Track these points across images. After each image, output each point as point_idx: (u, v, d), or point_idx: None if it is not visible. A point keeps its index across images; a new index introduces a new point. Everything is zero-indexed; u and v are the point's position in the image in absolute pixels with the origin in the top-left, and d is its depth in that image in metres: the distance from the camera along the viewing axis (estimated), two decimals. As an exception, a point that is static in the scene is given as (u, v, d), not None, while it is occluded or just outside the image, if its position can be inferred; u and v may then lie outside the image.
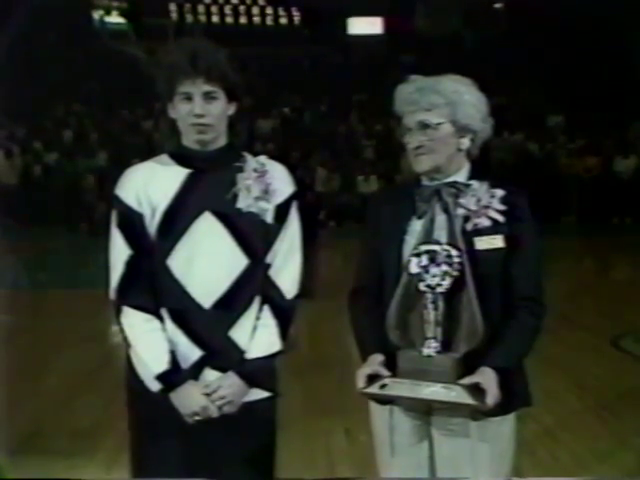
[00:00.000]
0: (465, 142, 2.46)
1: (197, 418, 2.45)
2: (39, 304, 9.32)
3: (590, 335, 7.45)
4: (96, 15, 27.35)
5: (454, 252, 2.36)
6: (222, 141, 2.55)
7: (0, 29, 15.83)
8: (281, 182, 2.57)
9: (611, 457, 4.53)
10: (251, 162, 2.55)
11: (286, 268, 2.56)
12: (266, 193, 2.51)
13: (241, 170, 2.52)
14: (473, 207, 2.41)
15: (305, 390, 5.56)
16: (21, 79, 19.24)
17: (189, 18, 28.01)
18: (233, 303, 2.50)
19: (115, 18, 27.81)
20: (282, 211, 2.56)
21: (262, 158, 2.58)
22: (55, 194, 17.05)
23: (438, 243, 2.39)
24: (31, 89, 20.43)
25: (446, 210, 2.44)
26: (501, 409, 2.37)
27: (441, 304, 2.37)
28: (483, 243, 2.40)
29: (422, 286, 2.37)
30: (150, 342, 2.47)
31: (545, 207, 13.70)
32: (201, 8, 28.43)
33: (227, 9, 28.69)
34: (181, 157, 2.54)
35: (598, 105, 19.05)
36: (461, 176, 2.48)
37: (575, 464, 4.42)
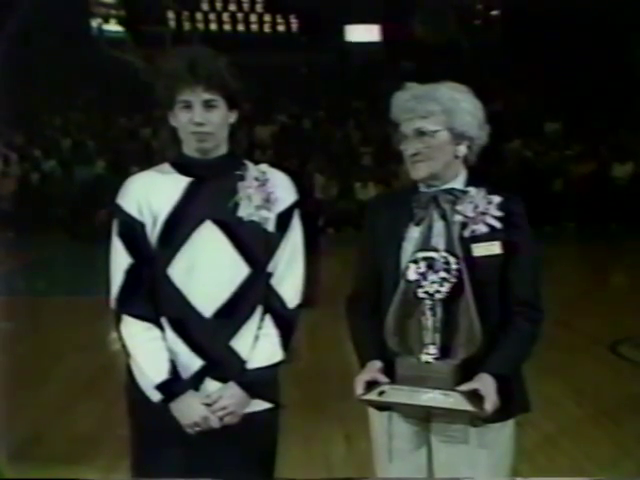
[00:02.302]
0: (462, 149, 2.48)
1: (198, 429, 2.44)
2: (38, 311, 9.31)
3: (588, 341, 7.45)
4: (94, 23, 27.39)
5: (452, 259, 2.37)
6: (223, 149, 2.54)
7: (-2, 37, 15.85)
8: (283, 190, 2.56)
9: (610, 463, 4.53)
10: (252, 170, 2.54)
11: (288, 277, 2.54)
12: (267, 202, 2.50)
13: (242, 178, 2.51)
14: (470, 214, 2.42)
15: (304, 396, 5.56)
16: (19, 86, 19.25)
17: (187, 26, 28.05)
18: (234, 312, 2.49)
19: (113, 26, 27.84)
20: (284, 220, 2.55)
21: (263, 166, 2.57)
22: (53, 201, 17.05)
23: (436, 250, 2.40)
24: (29, 96, 20.45)
25: (444, 217, 2.44)
26: (500, 415, 2.38)
27: (439, 311, 2.38)
28: (480, 249, 2.41)
29: (420, 293, 2.38)
30: (150, 351, 2.45)
31: (543, 213, 13.72)
32: (199, 16, 28.46)
33: (225, 17, 28.72)
34: (182, 166, 2.53)
35: (596, 111, 19.08)
36: (458, 183, 2.49)
37: (574, 470, 4.42)
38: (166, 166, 2.56)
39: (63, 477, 4.31)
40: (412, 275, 2.38)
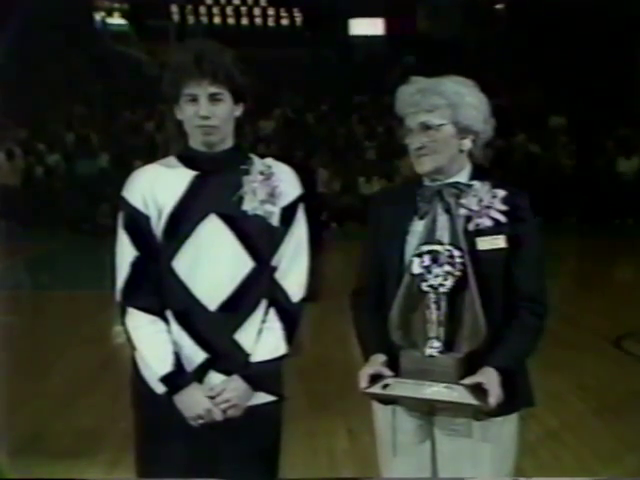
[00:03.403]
0: (467, 143, 2.47)
1: (201, 421, 2.45)
2: (41, 305, 9.33)
3: (592, 336, 7.45)
4: (98, 17, 27.37)
5: (456, 252, 2.37)
6: (229, 143, 2.55)
7: (1, 30, 15.86)
8: (287, 184, 2.56)
9: (614, 458, 4.53)
10: (257, 164, 2.54)
11: (292, 271, 2.55)
12: (272, 196, 2.50)
13: (247, 172, 2.51)
14: (475, 207, 2.41)
15: (307, 390, 5.56)
16: (23, 80, 19.25)
17: (191, 19, 28.02)
18: (238, 306, 2.49)
19: (117, 20, 27.81)
20: (288, 214, 2.55)
21: (269, 160, 2.57)
22: (57, 195, 17.07)
23: (440, 243, 2.39)
24: (33, 90, 20.45)
25: (448, 210, 2.44)
26: (504, 409, 2.38)
27: (443, 304, 2.37)
28: (485, 243, 2.40)
29: (424, 286, 2.38)
30: (155, 344, 2.46)
31: (547, 207, 13.70)
32: (203, 9, 28.43)
33: (229, 10, 28.70)
34: (188, 159, 2.54)
35: (600, 106, 19.05)
36: (463, 177, 2.49)
37: (578, 465, 4.42)
38: (172, 159, 2.57)
39: (65, 473, 4.31)
40: (416, 269, 2.38)
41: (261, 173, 2.51)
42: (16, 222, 15.96)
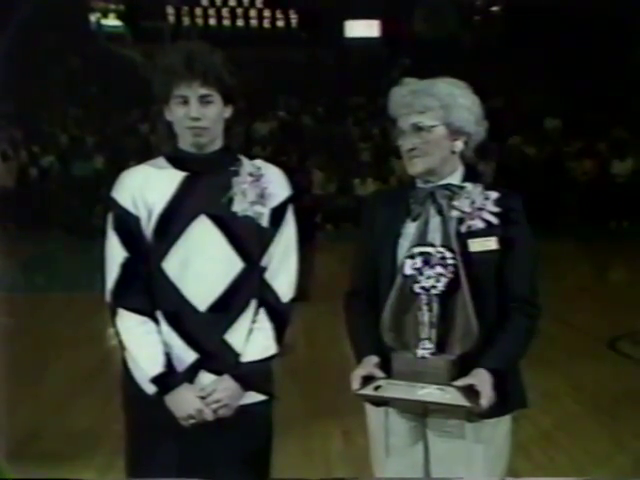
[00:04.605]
0: (459, 145, 2.47)
1: (192, 421, 2.45)
2: (36, 307, 9.31)
3: (587, 337, 7.46)
4: (93, 18, 27.34)
5: (448, 254, 2.37)
6: (218, 144, 2.55)
7: (-3, 32, 15.85)
8: (277, 186, 2.57)
9: (608, 460, 4.54)
10: (247, 166, 2.55)
11: (282, 271, 2.56)
12: (262, 197, 2.51)
13: (237, 174, 2.52)
14: (467, 209, 2.42)
15: (302, 392, 5.56)
16: (18, 81, 19.23)
17: (186, 21, 28.01)
18: (229, 306, 2.50)
19: (112, 21, 27.78)
20: (278, 214, 2.56)
21: (258, 162, 2.58)
22: (52, 197, 17.05)
23: (432, 245, 2.40)
24: (28, 91, 20.43)
25: (440, 212, 2.45)
26: (496, 411, 2.38)
27: (435, 306, 2.37)
28: (477, 245, 2.40)
29: (416, 288, 2.38)
30: (145, 344, 2.47)
31: (542, 210, 13.71)
32: (198, 11, 28.41)
33: (224, 12, 28.68)
34: (177, 160, 2.54)
35: (596, 108, 19.07)
36: (455, 178, 2.49)
37: (572, 467, 4.43)
38: (161, 160, 2.57)
39: (61, 475, 4.31)
40: (408, 270, 2.39)
41: (250, 174, 2.52)
42: (11, 223, 15.94)
